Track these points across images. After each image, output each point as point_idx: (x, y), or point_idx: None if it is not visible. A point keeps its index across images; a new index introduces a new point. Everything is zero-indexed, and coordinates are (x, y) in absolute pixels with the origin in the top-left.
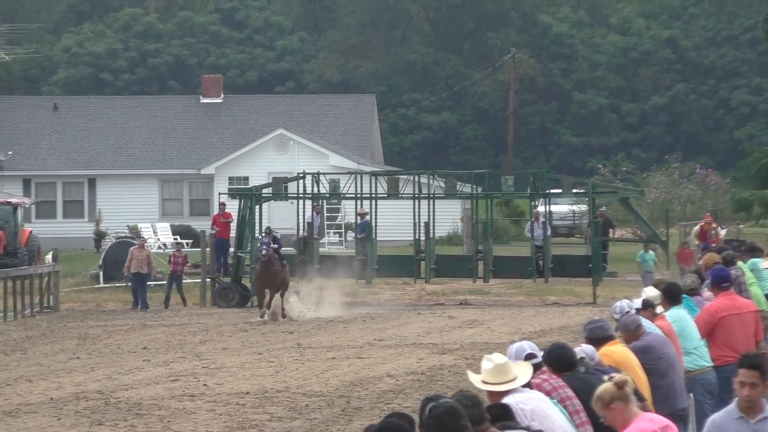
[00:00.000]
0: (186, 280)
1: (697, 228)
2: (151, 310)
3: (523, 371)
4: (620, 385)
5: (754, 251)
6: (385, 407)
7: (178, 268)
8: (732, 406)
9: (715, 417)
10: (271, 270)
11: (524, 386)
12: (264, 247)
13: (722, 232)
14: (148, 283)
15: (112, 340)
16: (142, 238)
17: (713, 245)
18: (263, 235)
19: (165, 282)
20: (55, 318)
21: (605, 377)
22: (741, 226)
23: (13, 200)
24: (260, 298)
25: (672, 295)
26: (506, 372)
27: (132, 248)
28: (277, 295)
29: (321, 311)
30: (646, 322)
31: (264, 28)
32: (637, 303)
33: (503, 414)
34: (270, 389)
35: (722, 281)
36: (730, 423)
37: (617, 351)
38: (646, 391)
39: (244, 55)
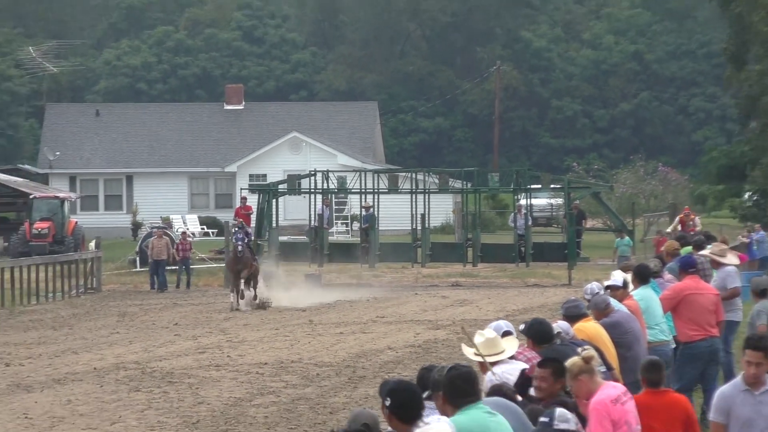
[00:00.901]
0: (194, 266)
1: (676, 220)
2: (181, 291)
3: (510, 345)
4: (587, 360)
5: (708, 239)
6: (386, 376)
7: (186, 254)
8: (738, 379)
9: (723, 389)
10: (242, 259)
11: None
12: (239, 243)
13: (699, 222)
14: (167, 268)
15: (147, 317)
16: (159, 229)
17: (691, 233)
18: (236, 229)
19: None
20: (97, 298)
21: (579, 349)
22: (697, 218)
23: (61, 195)
24: (234, 283)
25: (642, 276)
26: (496, 345)
27: (151, 239)
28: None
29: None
30: (613, 301)
31: (280, 44)
32: (612, 282)
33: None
34: (285, 360)
35: (689, 266)
36: (736, 395)
37: (589, 327)
38: (614, 361)
39: (262, 68)
